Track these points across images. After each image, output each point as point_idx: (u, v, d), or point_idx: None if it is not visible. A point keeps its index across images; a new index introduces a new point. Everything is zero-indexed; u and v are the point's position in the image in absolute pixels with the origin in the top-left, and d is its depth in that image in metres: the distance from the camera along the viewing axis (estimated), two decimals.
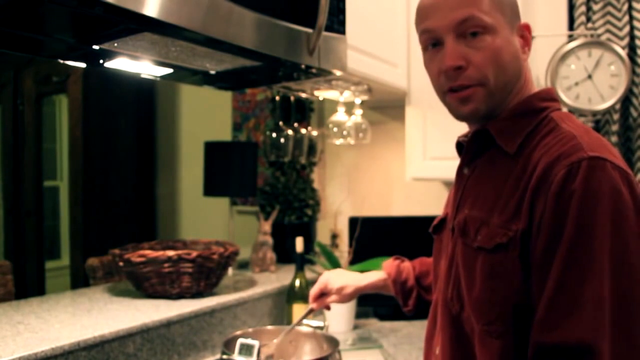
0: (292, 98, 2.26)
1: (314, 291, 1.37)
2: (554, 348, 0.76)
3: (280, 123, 2.20)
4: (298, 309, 1.75)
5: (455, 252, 0.97)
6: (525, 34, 0.96)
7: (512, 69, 0.93)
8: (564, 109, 1.87)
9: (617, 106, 1.83)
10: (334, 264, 1.93)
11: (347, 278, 1.37)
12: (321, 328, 1.42)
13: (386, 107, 2.45)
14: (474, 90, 0.92)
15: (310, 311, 1.38)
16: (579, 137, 0.83)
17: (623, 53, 1.77)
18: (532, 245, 0.81)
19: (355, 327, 1.95)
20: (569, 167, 0.79)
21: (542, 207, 0.80)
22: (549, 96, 0.96)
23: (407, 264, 1.35)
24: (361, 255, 1.93)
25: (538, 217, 0.80)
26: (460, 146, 1.07)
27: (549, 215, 0.79)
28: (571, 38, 1.88)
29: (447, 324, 0.97)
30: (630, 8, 1.83)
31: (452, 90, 0.94)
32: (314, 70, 1.40)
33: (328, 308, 1.40)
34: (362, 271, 1.41)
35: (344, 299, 1.36)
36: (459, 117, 0.98)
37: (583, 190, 0.77)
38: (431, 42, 0.95)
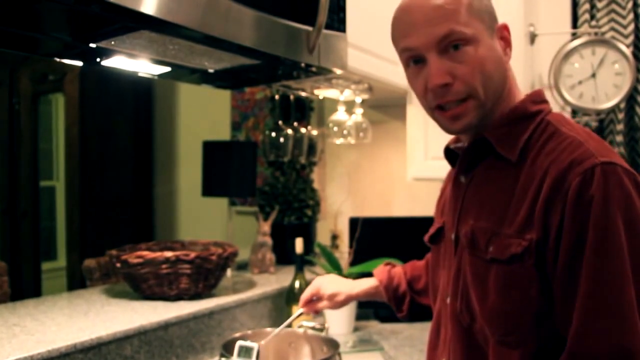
0: (291, 97, 2.24)
1: (305, 295, 1.36)
2: (592, 356, 0.77)
3: (280, 122, 2.18)
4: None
5: (461, 264, 0.96)
6: (505, 35, 0.95)
7: (498, 75, 0.92)
8: (568, 109, 1.88)
9: (622, 105, 1.83)
10: (334, 265, 1.91)
11: (339, 285, 1.36)
12: (321, 330, 1.40)
13: (387, 106, 2.43)
14: (465, 105, 0.91)
15: (300, 314, 1.37)
16: (586, 143, 0.84)
17: (627, 51, 1.77)
18: (550, 253, 0.82)
19: (356, 329, 1.94)
20: (583, 174, 0.80)
21: (559, 216, 0.80)
22: (540, 98, 0.96)
23: (398, 269, 1.35)
24: (362, 256, 1.91)
25: (555, 226, 0.81)
26: (450, 152, 1.06)
27: (569, 224, 0.79)
28: (575, 36, 1.87)
29: (458, 336, 0.96)
30: (635, 6, 1.83)
31: (440, 107, 0.93)
32: (313, 69, 1.39)
33: (317, 312, 1.39)
34: (362, 273, 1.40)
35: (335, 305, 1.36)
36: (450, 132, 0.98)
37: (601, 196, 0.78)
38: (413, 59, 0.94)
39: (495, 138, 0.92)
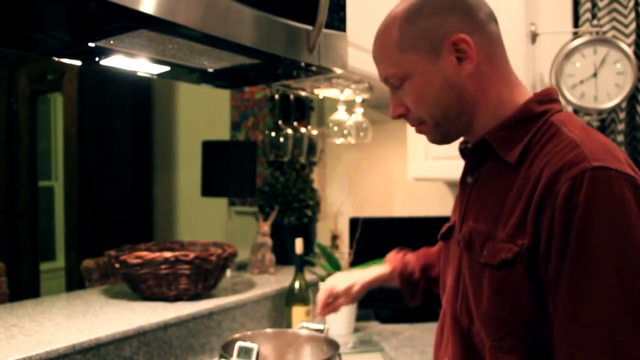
0: (291, 96, 2.23)
1: (321, 299, 1.34)
2: None
3: (280, 122, 2.17)
4: (297, 312, 1.73)
5: (461, 266, 0.95)
6: (461, 48, 0.89)
7: (446, 98, 0.92)
8: (569, 108, 1.87)
9: (623, 105, 1.82)
10: (334, 265, 1.91)
11: (351, 277, 1.36)
12: (321, 331, 1.40)
13: (387, 106, 2.38)
14: (421, 127, 0.98)
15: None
16: (582, 145, 0.80)
17: (629, 50, 1.76)
18: (543, 260, 0.79)
19: (356, 330, 1.93)
20: (572, 179, 0.76)
21: (548, 222, 0.78)
22: (548, 97, 0.93)
23: (411, 256, 1.35)
24: (362, 257, 1.91)
25: (545, 233, 0.78)
26: (463, 151, 1.06)
27: (557, 230, 0.77)
28: (576, 35, 1.87)
29: (457, 338, 0.95)
30: (637, 4, 1.82)
31: None
32: (313, 68, 1.38)
33: (336, 312, 1.39)
34: None
35: (353, 298, 1.35)
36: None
37: (587, 203, 0.74)
38: None
39: (496, 141, 0.90)
